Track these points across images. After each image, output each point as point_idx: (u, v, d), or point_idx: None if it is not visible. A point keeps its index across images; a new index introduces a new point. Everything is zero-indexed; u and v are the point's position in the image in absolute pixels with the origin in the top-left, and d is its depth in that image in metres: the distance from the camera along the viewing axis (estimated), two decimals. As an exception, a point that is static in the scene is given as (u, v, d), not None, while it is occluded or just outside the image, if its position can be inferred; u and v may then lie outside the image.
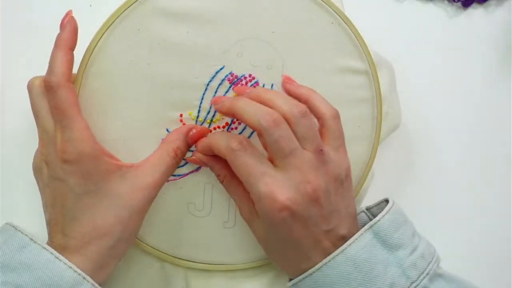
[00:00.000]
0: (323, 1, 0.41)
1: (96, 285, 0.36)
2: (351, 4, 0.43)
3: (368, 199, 0.44)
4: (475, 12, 0.52)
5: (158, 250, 0.42)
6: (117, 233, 0.37)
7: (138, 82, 0.40)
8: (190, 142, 0.40)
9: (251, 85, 0.40)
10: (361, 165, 0.43)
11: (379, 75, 0.43)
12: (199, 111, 0.40)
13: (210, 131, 0.41)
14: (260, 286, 0.44)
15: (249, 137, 0.41)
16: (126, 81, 0.39)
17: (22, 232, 0.36)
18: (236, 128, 0.41)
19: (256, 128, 0.36)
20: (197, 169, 0.41)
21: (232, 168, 0.37)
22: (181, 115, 0.40)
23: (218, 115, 0.41)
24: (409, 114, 0.48)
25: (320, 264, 0.36)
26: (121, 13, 0.39)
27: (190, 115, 0.40)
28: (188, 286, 0.43)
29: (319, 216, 0.36)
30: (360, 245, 0.37)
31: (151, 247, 0.42)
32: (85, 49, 0.39)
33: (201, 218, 0.42)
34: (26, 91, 0.39)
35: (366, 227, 0.38)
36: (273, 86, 0.41)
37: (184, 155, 0.40)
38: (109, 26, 0.39)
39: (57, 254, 0.35)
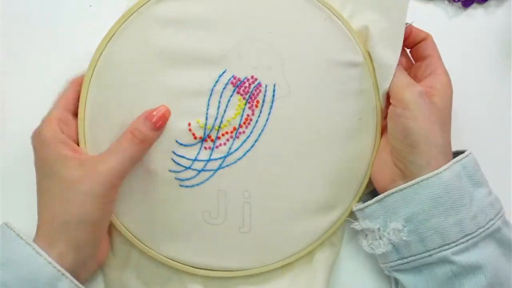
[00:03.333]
0: None
1: (75, 281, 0.36)
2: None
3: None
4: (475, 12, 0.52)
5: (175, 261, 0.42)
6: (76, 215, 0.36)
7: (143, 94, 0.39)
8: (153, 122, 0.39)
9: (254, 87, 0.40)
10: (366, 158, 0.43)
11: None
12: (206, 118, 0.40)
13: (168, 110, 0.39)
14: None
15: (256, 140, 0.41)
16: (131, 92, 0.40)
17: (10, 228, 0.37)
18: (244, 132, 0.40)
19: None
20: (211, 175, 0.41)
21: None
22: (189, 124, 0.40)
23: (225, 121, 0.40)
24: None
25: (412, 182, 0.38)
26: (122, 23, 0.39)
27: (198, 122, 0.40)
28: None
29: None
30: (452, 173, 0.38)
31: (167, 258, 0.42)
32: (85, 53, 0.39)
33: (216, 225, 0.41)
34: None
35: (455, 159, 0.39)
36: (276, 86, 0.40)
37: (147, 137, 0.38)
38: (112, 36, 0.39)
39: (38, 249, 0.35)
